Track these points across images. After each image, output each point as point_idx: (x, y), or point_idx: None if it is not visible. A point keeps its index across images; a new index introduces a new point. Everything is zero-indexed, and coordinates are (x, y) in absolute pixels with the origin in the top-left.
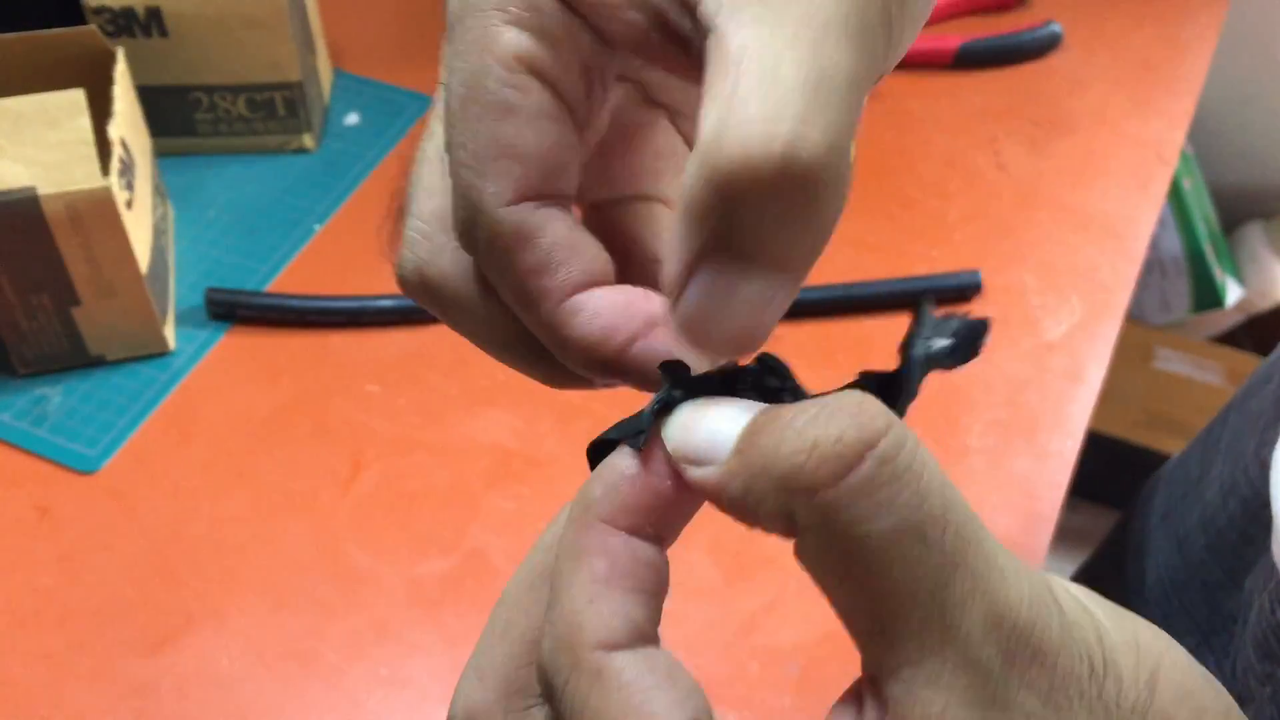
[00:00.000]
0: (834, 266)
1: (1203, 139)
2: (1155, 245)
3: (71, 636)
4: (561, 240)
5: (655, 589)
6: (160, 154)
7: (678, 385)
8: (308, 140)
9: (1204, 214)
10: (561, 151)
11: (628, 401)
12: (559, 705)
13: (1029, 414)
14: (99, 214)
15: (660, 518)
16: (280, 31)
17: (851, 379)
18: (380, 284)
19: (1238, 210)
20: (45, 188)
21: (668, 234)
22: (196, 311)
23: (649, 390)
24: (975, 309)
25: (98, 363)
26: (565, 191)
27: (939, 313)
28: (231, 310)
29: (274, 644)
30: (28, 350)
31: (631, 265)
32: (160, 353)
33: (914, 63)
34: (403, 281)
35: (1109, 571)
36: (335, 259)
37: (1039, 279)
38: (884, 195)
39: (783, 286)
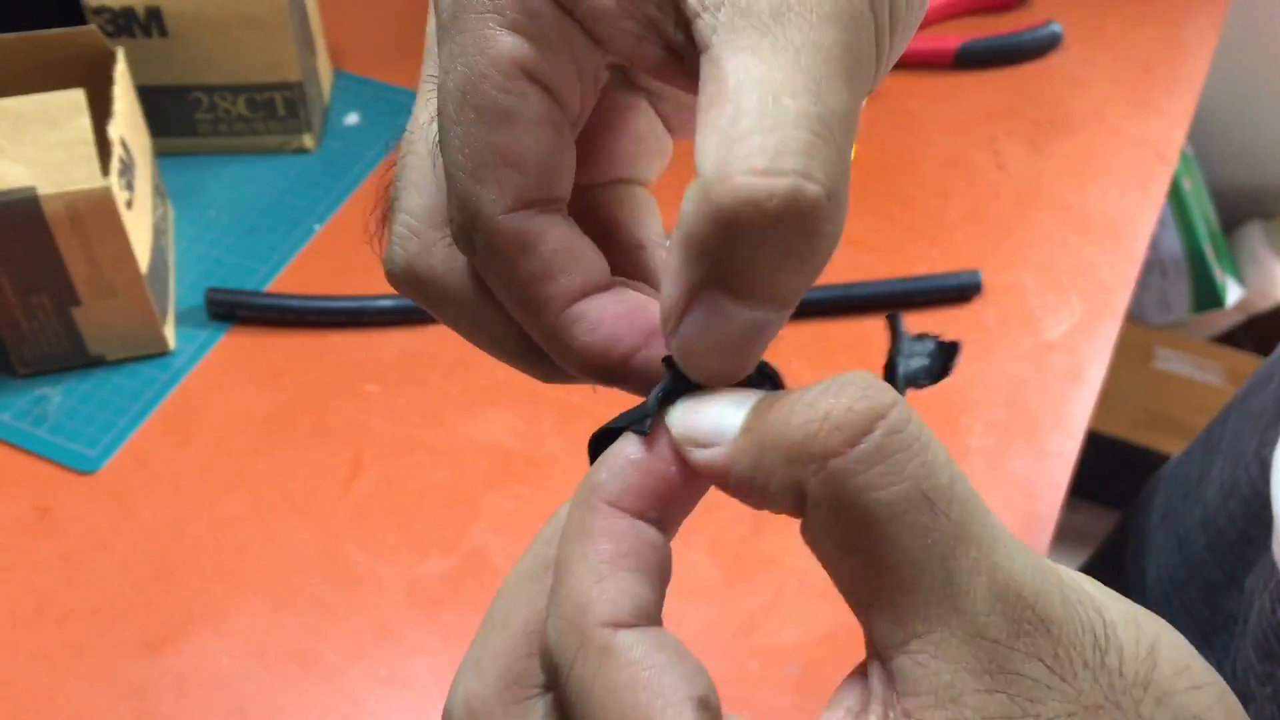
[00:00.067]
0: (834, 266)
1: (1203, 139)
2: (1155, 245)
3: (71, 636)
4: (561, 247)
5: (660, 571)
6: (160, 154)
7: (680, 377)
8: (308, 140)
9: (1204, 214)
10: (559, 156)
11: (627, 401)
12: (565, 687)
13: (1029, 414)
14: (99, 214)
15: (665, 503)
16: (280, 31)
17: None
18: (380, 284)
19: (1238, 210)
20: (45, 188)
21: (649, 219)
22: (196, 311)
23: (646, 395)
24: (972, 310)
25: (98, 363)
26: (562, 195)
27: (912, 332)
28: (231, 310)
29: (274, 644)
30: (28, 350)
31: (612, 249)
32: (160, 353)
33: (914, 63)
34: (391, 277)
35: (1109, 571)
36: (335, 259)
37: (1039, 279)
38: (884, 195)
39: (777, 317)
